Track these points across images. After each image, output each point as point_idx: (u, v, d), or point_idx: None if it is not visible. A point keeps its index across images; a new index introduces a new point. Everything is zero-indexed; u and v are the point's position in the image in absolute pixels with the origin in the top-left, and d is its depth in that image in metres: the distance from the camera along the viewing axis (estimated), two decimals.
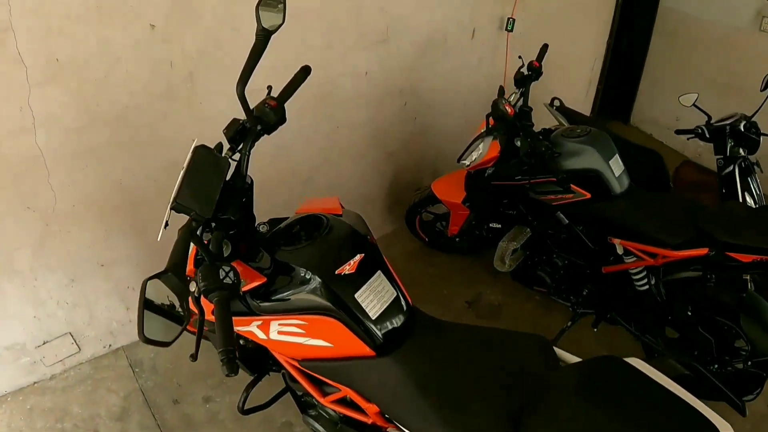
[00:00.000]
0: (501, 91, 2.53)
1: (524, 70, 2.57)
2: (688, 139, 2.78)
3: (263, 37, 1.39)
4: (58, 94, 1.96)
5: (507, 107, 2.36)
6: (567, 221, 2.44)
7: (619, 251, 2.31)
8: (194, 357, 1.33)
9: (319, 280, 1.37)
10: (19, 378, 2.58)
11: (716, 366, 2.24)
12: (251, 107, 1.49)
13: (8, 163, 1.98)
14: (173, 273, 1.09)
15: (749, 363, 2.16)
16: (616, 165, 2.33)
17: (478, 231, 2.93)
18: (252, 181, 1.59)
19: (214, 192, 1.38)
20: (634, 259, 2.30)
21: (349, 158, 3.00)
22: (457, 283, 3.13)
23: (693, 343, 2.28)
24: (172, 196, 1.34)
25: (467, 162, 2.62)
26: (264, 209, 2.76)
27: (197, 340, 1.34)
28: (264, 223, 1.58)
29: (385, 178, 3.26)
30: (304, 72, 1.66)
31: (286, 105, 1.60)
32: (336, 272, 1.38)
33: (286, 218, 1.61)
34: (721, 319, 2.18)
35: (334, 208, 1.61)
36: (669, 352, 2.33)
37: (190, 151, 1.43)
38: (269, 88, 1.63)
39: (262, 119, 1.54)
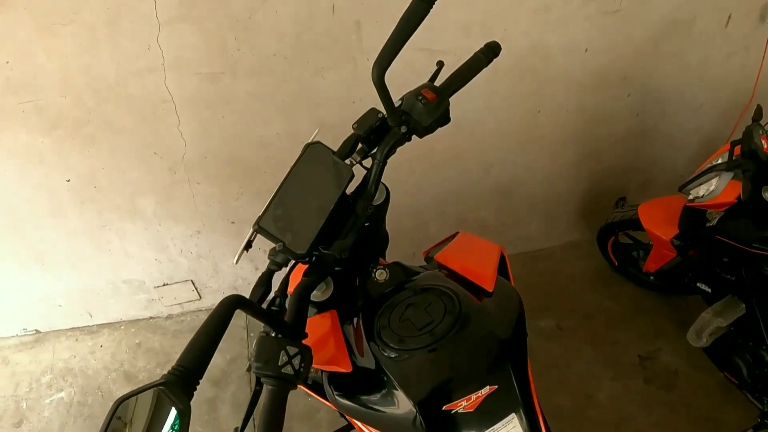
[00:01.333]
0: (758, 112, 1.82)
1: None
2: None
3: None
4: (191, 35, 1.67)
5: (764, 140, 1.71)
6: None
7: None
8: None
9: (415, 411, 0.90)
10: (136, 310, 2.56)
11: None
12: (394, 99, 1.01)
13: (135, 103, 1.78)
14: (179, 384, 0.67)
15: None
16: None
17: (680, 278, 2.26)
18: (388, 192, 1.15)
19: (317, 217, 0.97)
20: None
21: (543, 148, 2.46)
22: (634, 329, 2.51)
23: None
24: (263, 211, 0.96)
25: (691, 196, 1.94)
26: (432, 187, 2.40)
27: (247, 413, 0.99)
28: (384, 268, 1.12)
29: (582, 179, 2.67)
30: (489, 52, 1.10)
31: (453, 98, 1.11)
32: (444, 408, 0.89)
33: (416, 272, 1.14)
34: None
35: (486, 277, 1.07)
36: None
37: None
38: (439, 64, 1.14)
39: (412, 117, 1.06)
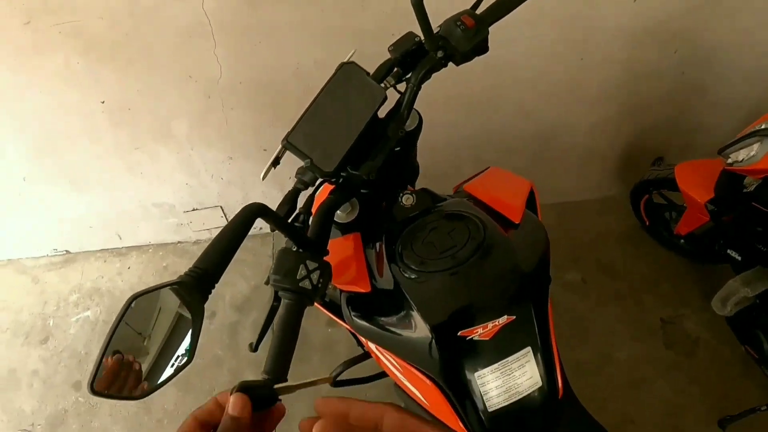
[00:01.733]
0: None
1: None
2: None
3: None
4: None
5: None
6: None
7: None
8: (253, 347, 1.01)
9: (430, 335, 0.90)
10: (165, 234, 2.62)
11: None
12: (432, 26, 0.99)
13: (171, 25, 1.76)
14: (194, 285, 0.68)
15: None
16: None
17: (711, 244, 2.21)
18: (421, 119, 1.13)
19: (347, 136, 0.96)
20: None
21: (583, 100, 2.38)
22: (659, 292, 2.49)
23: None
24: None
25: (730, 160, 1.87)
26: (467, 129, 2.36)
27: (263, 328, 1.01)
28: (411, 194, 1.11)
29: (621, 134, 2.60)
30: None
31: (493, 28, 1.07)
32: (459, 333, 0.89)
33: (443, 199, 1.13)
34: None
35: (514, 208, 1.06)
36: None
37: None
38: None
39: (449, 43, 1.03)
